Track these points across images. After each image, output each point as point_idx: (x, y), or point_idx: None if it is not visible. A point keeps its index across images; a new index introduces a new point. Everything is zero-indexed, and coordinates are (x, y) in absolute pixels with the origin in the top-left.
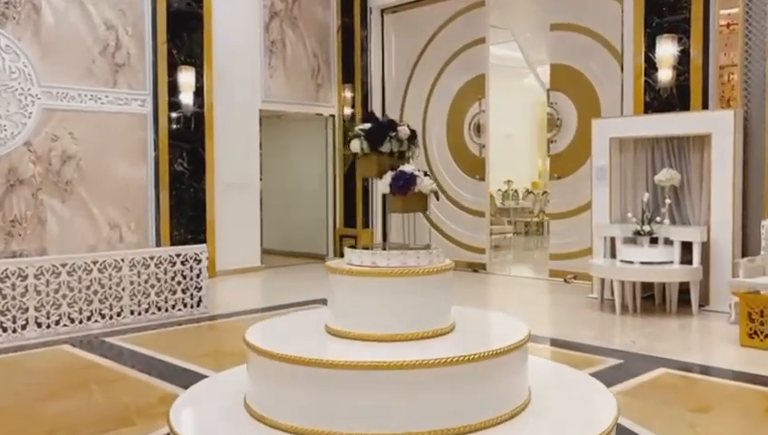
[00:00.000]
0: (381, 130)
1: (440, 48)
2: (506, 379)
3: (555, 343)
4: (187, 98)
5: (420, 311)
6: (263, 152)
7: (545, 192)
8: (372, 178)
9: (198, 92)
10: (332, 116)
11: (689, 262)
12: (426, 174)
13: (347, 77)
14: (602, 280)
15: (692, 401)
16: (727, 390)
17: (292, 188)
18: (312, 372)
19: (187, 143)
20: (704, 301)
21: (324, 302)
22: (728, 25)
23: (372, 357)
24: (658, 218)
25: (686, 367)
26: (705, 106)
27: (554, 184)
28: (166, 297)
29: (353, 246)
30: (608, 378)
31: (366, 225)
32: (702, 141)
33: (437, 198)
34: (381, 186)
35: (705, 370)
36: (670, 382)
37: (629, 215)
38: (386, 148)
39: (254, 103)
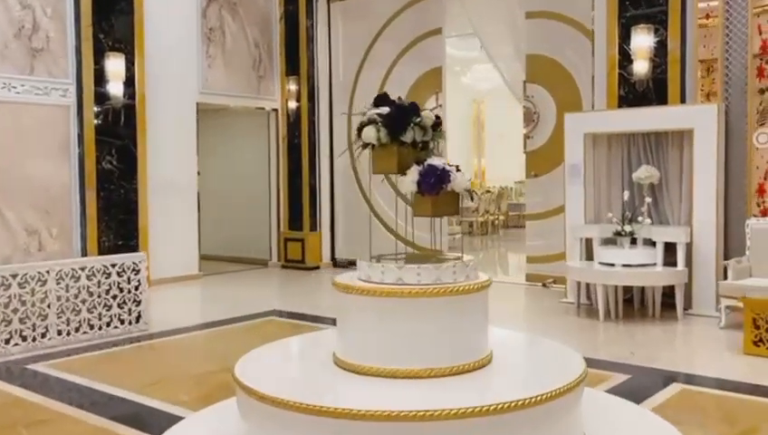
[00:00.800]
0: (403, 115)
1: (393, 39)
2: (564, 420)
3: None
4: (115, 88)
5: (457, 339)
6: (200, 149)
7: (488, 191)
8: (391, 174)
9: (129, 82)
10: (275, 110)
11: (671, 264)
12: (458, 168)
13: (291, 69)
14: (578, 284)
15: (733, 424)
16: (759, 407)
17: (232, 189)
18: (322, 424)
19: (116, 139)
20: (686, 304)
21: (278, 313)
22: (707, 16)
23: (402, 402)
24: (640, 218)
25: (700, 381)
26: (683, 100)
27: (531, 183)
28: (100, 314)
29: (375, 259)
30: (624, 397)
31: (313, 227)
32: (681, 137)
33: (472, 198)
34: (405, 184)
35: (722, 384)
36: (694, 401)
37: (610, 215)
38: (408, 137)
39: (190, 95)
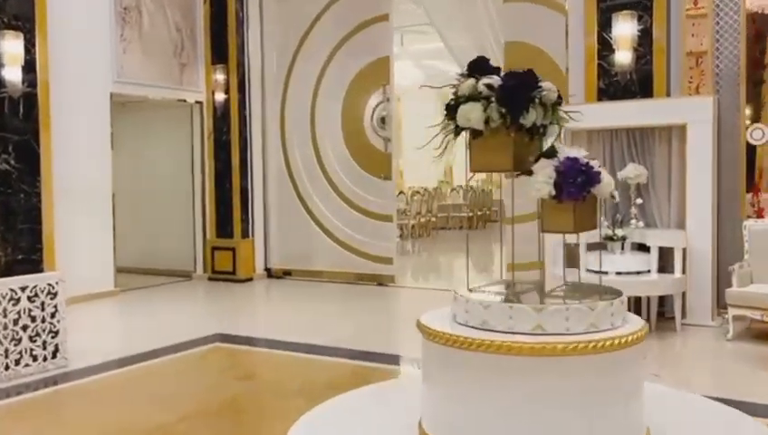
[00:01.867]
0: (524, 87)
1: (333, 24)
2: None
3: None
4: (12, 74)
5: (612, 413)
6: (115, 147)
7: (418, 192)
8: (502, 172)
9: (29, 67)
10: (200, 103)
11: (662, 270)
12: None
13: (218, 56)
14: None
15: None
16: None
17: (151, 191)
18: None
19: (14, 134)
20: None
21: (221, 337)
22: (695, 3)
23: None
24: (633, 221)
25: (752, 409)
26: (668, 94)
27: (510, 183)
28: (6, 350)
29: (480, 290)
30: None
31: (245, 234)
32: (669, 133)
33: (615, 199)
34: (535, 185)
35: None
36: None
37: (602, 218)
38: (529, 119)
39: (103, 84)
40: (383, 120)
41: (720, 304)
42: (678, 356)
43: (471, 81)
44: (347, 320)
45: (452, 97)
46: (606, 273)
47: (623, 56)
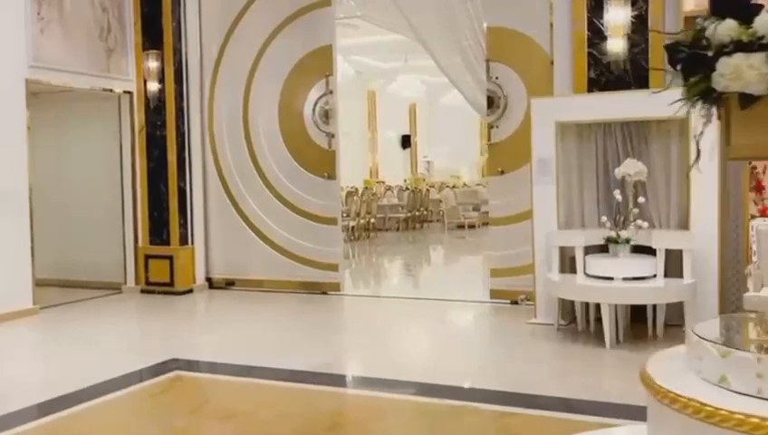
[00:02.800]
0: None
1: (268, 8)
2: None
3: (585, 408)
4: None
5: None
6: (31, 142)
7: (366, 189)
8: None
9: None
10: (129, 93)
11: (664, 274)
12: None
13: (151, 41)
14: (561, 302)
15: None
16: None
17: (74, 193)
18: None
19: None
20: (682, 320)
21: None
22: None
23: None
24: (639, 222)
25: None
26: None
27: (495, 181)
28: None
29: None
30: None
31: (184, 240)
32: (668, 126)
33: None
34: None
35: None
36: None
37: (604, 218)
38: None
39: (16, 69)
40: (326, 114)
41: (725, 310)
42: None
43: (732, 23)
44: (312, 338)
45: (695, 46)
46: (611, 278)
47: (616, 44)
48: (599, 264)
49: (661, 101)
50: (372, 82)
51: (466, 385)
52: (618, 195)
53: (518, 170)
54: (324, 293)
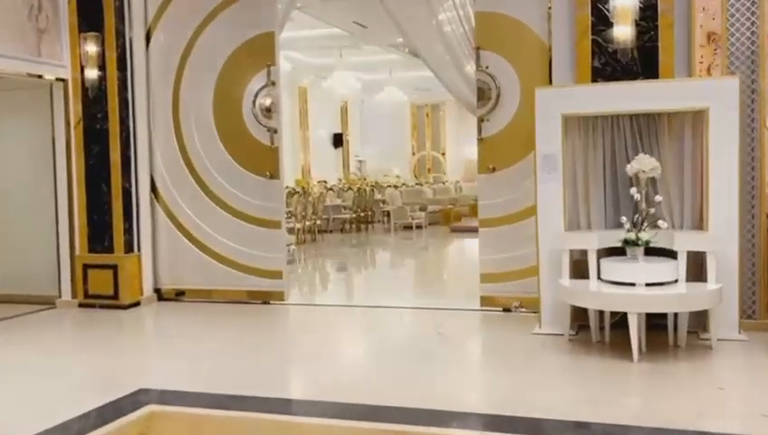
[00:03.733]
0: None
1: None
2: None
3: None
4: None
5: None
6: None
7: (305, 191)
8: None
9: None
10: (63, 81)
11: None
12: None
13: (89, 22)
14: (573, 310)
15: None
16: None
17: None
18: None
19: None
20: (699, 326)
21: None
22: None
23: None
24: (660, 222)
25: None
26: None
27: (486, 180)
28: None
29: None
30: None
31: (129, 247)
32: (681, 119)
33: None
34: None
35: None
36: None
37: (624, 219)
38: None
39: None
40: (268, 107)
41: (745, 315)
42: (747, 385)
43: None
44: (294, 358)
45: None
46: (633, 284)
47: (622, 31)
48: (617, 268)
49: (679, 92)
50: (303, 78)
51: (482, 416)
52: (635, 193)
53: (511, 168)
54: (265, 302)
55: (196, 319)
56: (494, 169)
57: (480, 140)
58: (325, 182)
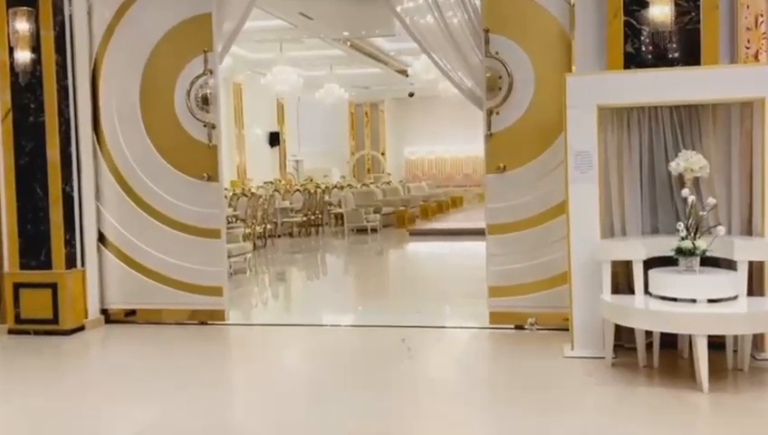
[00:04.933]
0: None
1: None
2: None
3: None
4: None
5: None
6: None
7: (252, 193)
8: None
9: None
10: None
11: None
12: None
13: None
14: (617, 328)
15: None
16: None
17: None
18: None
19: None
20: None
21: None
22: None
23: None
24: (721, 228)
25: None
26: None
27: (495, 180)
28: None
29: None
30: None
31: (71, 262)
32: (727, 111)
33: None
34: None
35: None
36: None
37: (680, 225)
38: None
39: None
40: (205, 99)
41: None
42: None
43: None
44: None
45: None
46: (694, 301)
47: (660, 12)
48: (672, 282)
49: (731, 80)
50: (239, 73)
51: None
52: (688, 195)
53: (524, 166)
54: (203, 323)
55: (153, 345)
56: (504, 169)
57: (489, 136)
58: (272, 183)
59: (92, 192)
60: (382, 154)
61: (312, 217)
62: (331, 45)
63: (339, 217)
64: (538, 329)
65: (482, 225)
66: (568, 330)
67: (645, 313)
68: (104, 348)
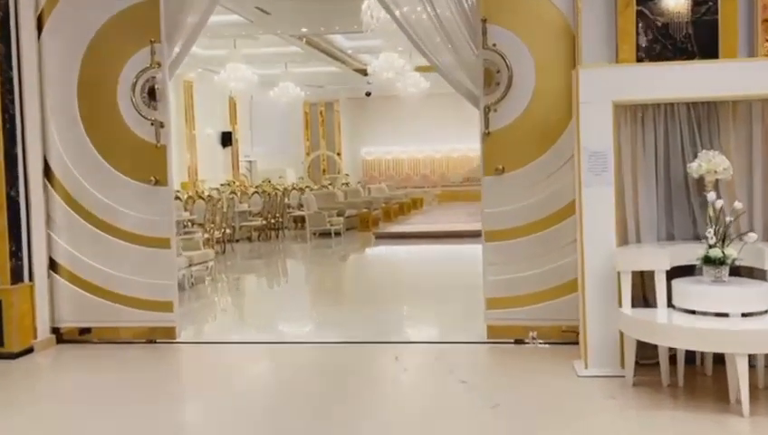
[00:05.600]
0: None
1: None
2: None
3: None
4: None
5: None
6: None
7: (208, 196)
8: None
9: None
10: None
11: None
12: None
13: None
14: (639, 345)
15: None
16: None
17: None
18: None
19: None
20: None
21: None
22: None
23: None
24: (752, 234)
25: None
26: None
27: (493, 183)
28: None
29: None
30: None
31: (17, 276)
32: (748, 108)
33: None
34: None
35: None
36: None
37: (710, 232)
38: None
39: None
40: (152, 93)
41: None
42: None
43: None
44: None
45: None
46: (726, 315)
47: (676, 1)
48: (701, 294)
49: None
50: (190, 71)
51: None
52: (714, 199)
53: (524, 168)
54: (150, 341)
55: (89, 373)
56: (502, 170)
57: (486, 135)
58: (229, 185)
59: (41, 197)
60: (338, 154)
61: (273, 221)
62: (288, 42)
63: (299, 221)
64: (540, 344)
65: (449, 228)
66: (572, 344)
67: (676, 329)
68: (54, 373)
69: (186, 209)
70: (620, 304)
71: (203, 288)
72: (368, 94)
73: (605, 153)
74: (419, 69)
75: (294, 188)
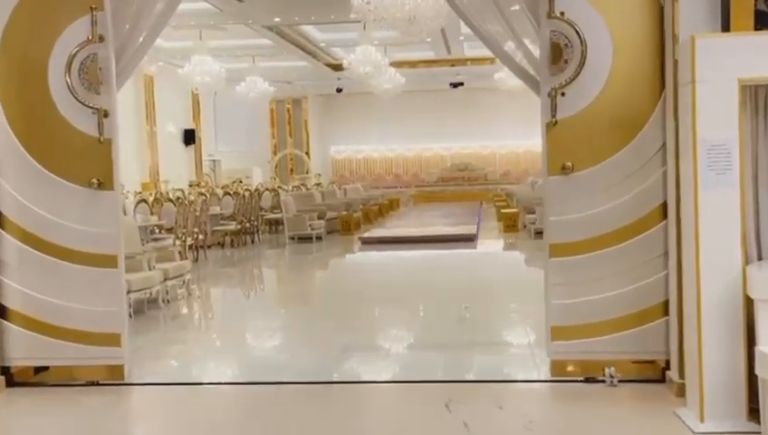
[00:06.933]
0: None
1: None
2: None
3: None
4: None
5: None
6: None
7: (177, 199)
8: None
9: None
10: None
11: None
12: None
13: None
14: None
15: None
16: None
17: None
18: None
19: None
20: None
21: None
22: None
23: None
24: None
25: None
26: None
27: (558, 184)
28: None
29: None
30: None
31: None
32: None
33: None
34: None
35: None
36: None
37: None
38: None
39: None
40: (92, 74)
41: None
42: None
43: None
44: None
45: None
46: None
47: None
48: None
49: None
50: (150, 64)
51: None
52: None
53: (598, 166)
54: (94, 383)
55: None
56: (571, 169)
57: (552, 125)
58: (199, 185)
59: (14, 205)
60: (306, 153)
61: (248, 225)
62: (258, 34)
63: (273, 224)
64: (619, 381)
65: (438, 231)
66: (654, 382)
67: None
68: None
69: (152, 213)
70: (754, 341)
71: (179, 307)
72: (339, 90)
73: (728, 147)
74: (395, 64)
75: (266, 189)
